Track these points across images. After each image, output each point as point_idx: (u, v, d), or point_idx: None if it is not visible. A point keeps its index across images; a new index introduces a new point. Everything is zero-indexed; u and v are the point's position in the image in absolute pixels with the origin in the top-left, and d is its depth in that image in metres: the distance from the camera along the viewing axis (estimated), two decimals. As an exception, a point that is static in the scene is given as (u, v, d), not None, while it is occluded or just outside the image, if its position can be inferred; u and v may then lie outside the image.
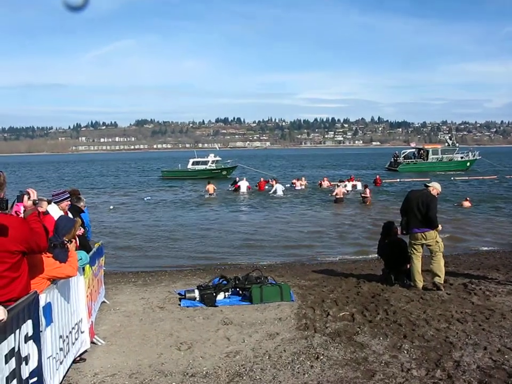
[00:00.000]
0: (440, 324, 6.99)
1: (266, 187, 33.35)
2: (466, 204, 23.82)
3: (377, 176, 39.39)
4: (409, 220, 8.90)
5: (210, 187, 31.38)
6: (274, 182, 33.63)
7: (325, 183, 35.12)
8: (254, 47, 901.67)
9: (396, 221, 10.04)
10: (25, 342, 4.05)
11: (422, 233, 8.79)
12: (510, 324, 6.90)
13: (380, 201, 27.58)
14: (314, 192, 32.46)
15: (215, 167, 50.73)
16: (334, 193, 27.08)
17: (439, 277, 8.83)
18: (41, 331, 4.40)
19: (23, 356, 3.99)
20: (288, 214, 22.94)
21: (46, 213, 6.25)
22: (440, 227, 8.96)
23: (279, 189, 31.36)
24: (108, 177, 57.59)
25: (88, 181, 51.95)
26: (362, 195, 26.69)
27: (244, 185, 33.29)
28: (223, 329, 7.08)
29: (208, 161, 51.11)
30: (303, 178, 37.36)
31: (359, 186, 33.02)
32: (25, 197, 4.50)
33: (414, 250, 9.00)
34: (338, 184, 29.61)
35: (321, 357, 5.86)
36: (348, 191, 30.30)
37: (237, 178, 36.54)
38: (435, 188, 9.09)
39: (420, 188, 9.72)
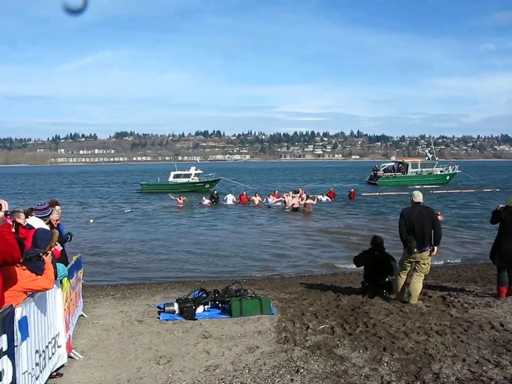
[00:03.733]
0: (419, 336, 7.02)
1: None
2: (438, 217, 24.16)
3: (352, 190, 39.80)
4: (416, 239, 8.78)
5: (180, 201, 33.60)
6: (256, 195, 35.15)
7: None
8: (235, 60, 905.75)
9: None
10: None
11: (422, 252, 8.77)
12: (487, 336, 6.97)
13: (337, 214, 28.44)
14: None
15: (198, 180, 49.73)
16: (291, 204, 29.75)
17: (413, 297, 8.88)
18: (16, 346, 4.31)
19: (-3, 371, 3.90)
20: (255, 227, 23.20)
21: (29, 227, 6.17)
22: (436, 250, 8.94)
23: (229, 198, 35.44)
24: (86, 190, 57.01)
25: (66, 193, 51.35)
26: (304, 207, 28.96)
27: (205, 200, 34.53)
28: (203, 342, 7.03)
29: (191, 174, 49.77)
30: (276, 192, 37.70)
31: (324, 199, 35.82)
32: None
33: (406, 266, 9.01)
34: (293, 195, 31.49)
35: (302, 370, 5.83)
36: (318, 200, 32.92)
37: (215, 192, 37.00)
38: (421, 197, 9.10)
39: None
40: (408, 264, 9.00)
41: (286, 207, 30.12)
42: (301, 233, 20.66)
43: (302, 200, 29.77)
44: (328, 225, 23.01)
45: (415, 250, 8.76)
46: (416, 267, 8.91)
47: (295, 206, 29.48)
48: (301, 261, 15.09)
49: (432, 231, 8.77)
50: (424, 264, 8.84)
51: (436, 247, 8.88)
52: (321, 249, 17.11)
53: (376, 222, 23.80)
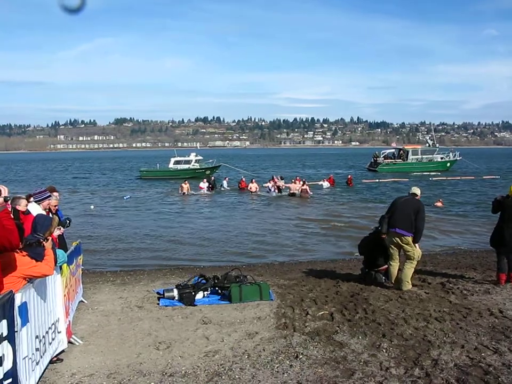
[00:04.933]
0: (418, 322, 7.04)
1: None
2: (438, 204, 24.19)
3: (349, 176, 39.68)
4: (392, 218, 8.91)
5: (185, 186, 32.85)
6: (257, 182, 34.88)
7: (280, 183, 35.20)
8: (235, 47, 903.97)
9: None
10: (0, 343, 3.97)
11: (402, 236, 8.82)
12: (486, 322, 6.98)
13: (333, 200, 28.48)
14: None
15: (198, 166, 49.22)
16: (289, 189, 30.73)
17: (403, 283, 8.90)
18: (17, 331, 4.32)
19: (-3, 356, 3.91)
20: (253, 214, 23.22)
21: (27, 212, 6.16)
22: (417, 246, 8.99)
23: (225, 184, 36.48)
24: (85, 177, 56.90)
25: (65, 180, 51.26)
26: (300, 192, 29.86)
27: (204, 186, 34.08)
28: (202, 328, 7.05)
29: (191, 160, 49.31)
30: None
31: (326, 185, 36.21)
32: None
33: (393, 251, 9.06)
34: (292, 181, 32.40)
35: (301, 356, 5.86)
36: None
37: (212, 178, 37.07)
38: (418, 192, 9.19)
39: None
40: (392, 249, 9.05)
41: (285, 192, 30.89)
42: (294, 222, 20.37)
43: (300, 187, 30.04)
44: (321, 213, 22.88)
45: (379, 228, 9.12)
46: (405, 254, 8.94)
47: (292, 192, 30.14)
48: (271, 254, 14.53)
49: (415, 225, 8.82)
50: (409, 250, 8.86)
51: (416, 244, 8.93)
52: (309, 239, 17.02)
53: (373, 210, 23.53)
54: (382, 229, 9.08)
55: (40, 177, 56.40)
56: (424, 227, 8.95)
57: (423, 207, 9.06)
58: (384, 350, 6.01)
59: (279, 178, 33.02)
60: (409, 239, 8.82)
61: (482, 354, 5.82)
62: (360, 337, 6.48)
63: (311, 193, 30.25)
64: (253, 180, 34.84)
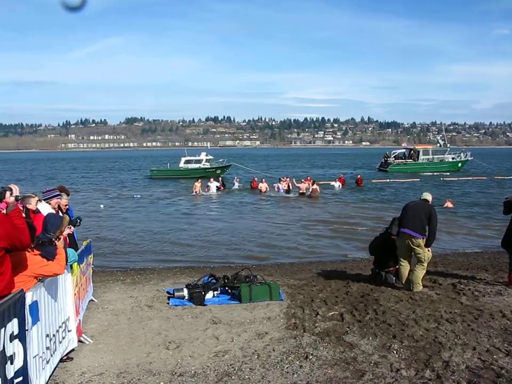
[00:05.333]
0: (429, 324, 6.99)
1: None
2: (448, 204, 23.93)
3: (359, 176, 39.35)
4: (402, 220, 8.88)
5: (198, 185, 32.68)
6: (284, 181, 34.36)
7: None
8: (245, 47, 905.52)
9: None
10: (11, 341, 3.99)
11: (413, 238, 8.76)
12: (498, 324, 6.92)
13: (343, 201, 28.27)
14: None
15: (209, 166, 49.19)
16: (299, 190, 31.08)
17: (417, 284, 8.84)
18: (27, 330, 4.34)
19: (8, 355, 3.93)
20: (262, 214, 23.16)
21: (37, 211, 6.18)
22: (429, 250, 8.95)
23: (235, 183, 36.50)
24: (96, 176, 57.13)
25: (75, 179, 51.49)
26: (310, 192, 29.94)
27: (213, 186, 33.76)
28: (212, 328, 7.04)
29: (202, 159, 49.30)
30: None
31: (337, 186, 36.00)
32: (8, 193, 4.43)
33: (403, 253, 9.00)
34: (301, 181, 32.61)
35: (311, 357, 5.83)
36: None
37: (220, 178, 37.04)
38: (429, 197, 9.17)
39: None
40: (403, 250, 9.00)
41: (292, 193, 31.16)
42: (304, 223, 20.21)
43: (310, 186, 30.06)
44: (330, 213, 22.78)
45: (389, 230, 9.17)
46: (416, 256, 8.89)
47: (301, 191, 30.38)
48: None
49: (428, 228, 8.78)
50: (419, 252, 8.79)
51: (428, 249, 8.89)
52: (318, 240, 16.99)
53: (382, 211, 23.18)
54: (392, 230, 9.07)
55: (47, 176, 56.63)
56: (435, 231, 8.88)
57: (435, 211, 8.99)
58: (395, 351, 5.97)
59: (285, 179, 33.03)
60: (420, 241, 8.76)
61: (494, 356, 5.76)
62: (370, 338, 6.45)
63: (319, 192, 30.24)
64: (263, 180, 34.64)
